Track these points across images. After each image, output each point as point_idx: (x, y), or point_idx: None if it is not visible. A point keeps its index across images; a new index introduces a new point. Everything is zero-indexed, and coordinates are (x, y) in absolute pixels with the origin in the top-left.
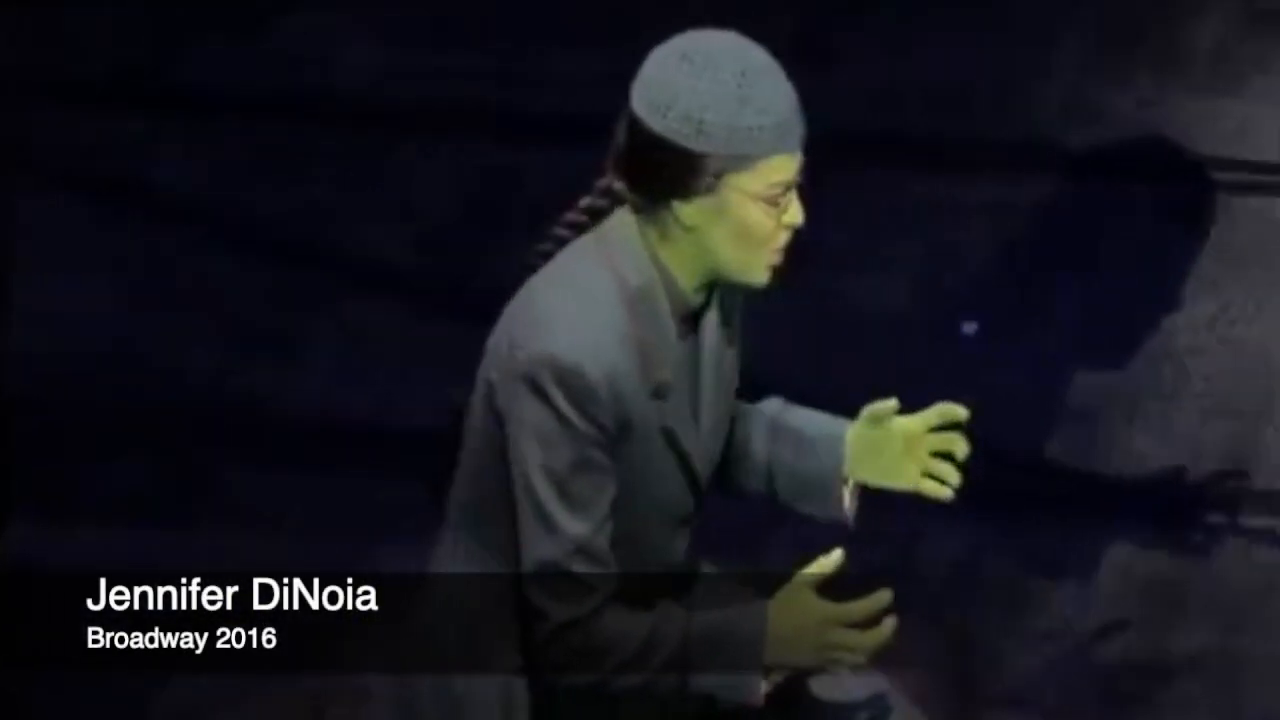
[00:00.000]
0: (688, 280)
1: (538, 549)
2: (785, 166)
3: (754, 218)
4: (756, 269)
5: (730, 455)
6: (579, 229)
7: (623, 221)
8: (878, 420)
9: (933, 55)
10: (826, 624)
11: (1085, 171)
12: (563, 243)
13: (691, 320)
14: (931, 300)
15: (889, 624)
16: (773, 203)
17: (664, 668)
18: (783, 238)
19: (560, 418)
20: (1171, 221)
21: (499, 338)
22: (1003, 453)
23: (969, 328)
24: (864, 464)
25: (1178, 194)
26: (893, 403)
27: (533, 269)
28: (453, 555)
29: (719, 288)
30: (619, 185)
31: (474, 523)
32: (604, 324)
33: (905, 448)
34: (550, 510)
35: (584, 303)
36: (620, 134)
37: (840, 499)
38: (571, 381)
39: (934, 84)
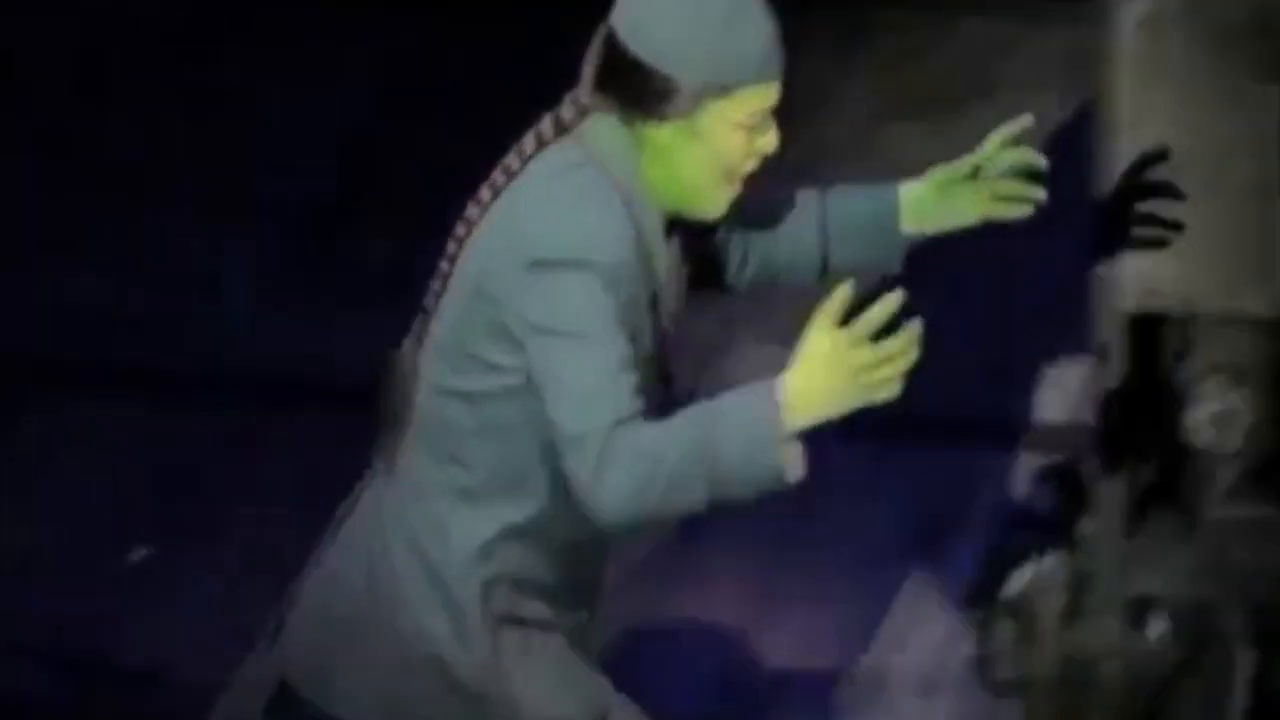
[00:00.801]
0: (666, 195)
1: (578, 378)
2: (765, 95)
3: (728, 144)
4: (716, 198)
5: (767, 261)
6: (546, 143)
7: (609, 128)
8: (937, 181)
9: None
10: (858, 369)
11: None
12: (529, 157)
13: (668, 231)
14: None
15: (914, 325)
16: (748, 130)
17: (700, 456)
18: (750, 165)
19: (579, 273)
20: None
21: (493, 242)
22: None
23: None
24: (929, 217)
25: None
26: (957, 164)
27: (501, 185)
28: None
29: None
30: (593, 100)
31: (508, 486)
32: (614, 216)
33: (973, 186)
34: (595, 378)
35: (596, 202)
36: (597, 50)
37: (899, 246)
38: (581, 241)
39: None
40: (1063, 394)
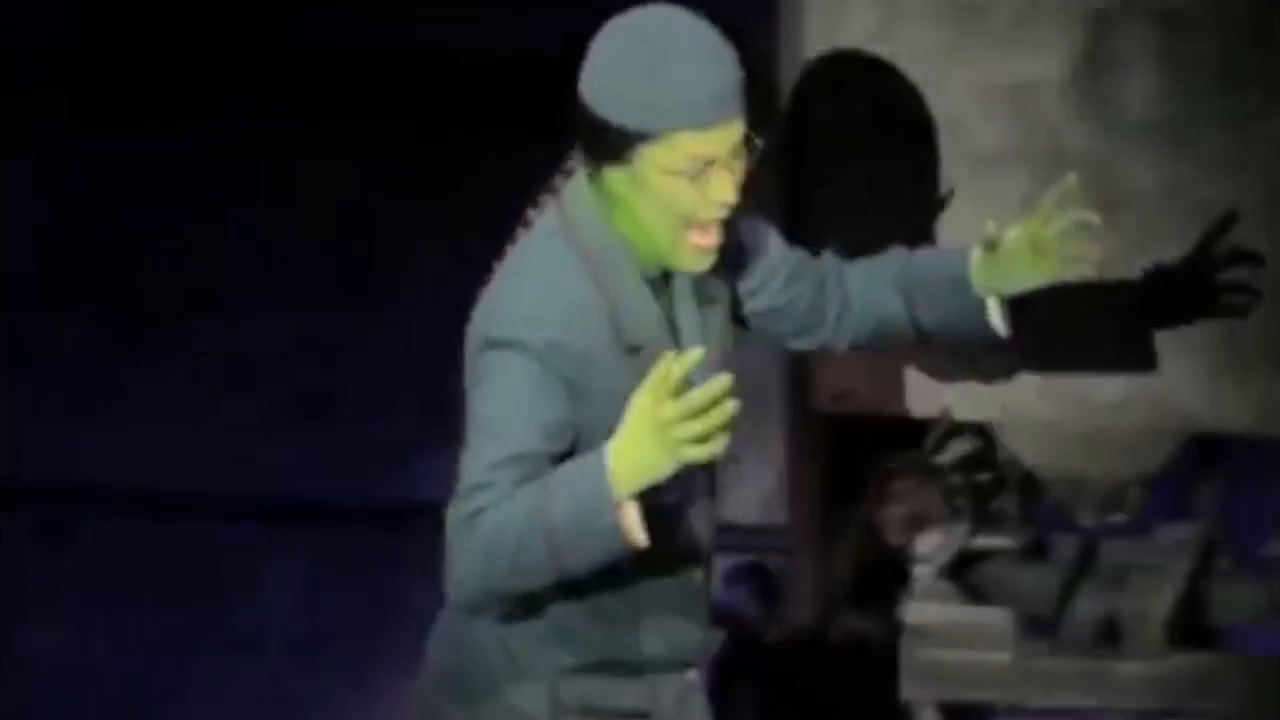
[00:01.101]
0: (642, 249)
1: (473, 452)
2: (698, 141)
3: (669, 191)
4: (684, 252)
5: (864, 315)
6: (541, 206)
7: (578, 189)
8: (993, 245)
9: None
10: (664, 421)
11: None
12: (529, 221)
13: (662, 283)
14: None
15: (729, 405)
16: (690, 177)
17: (535, 539)
18: (710, 214)
19: (508, 349)
20: None
21: (475, 312)
22: None
23: None
24: (998, 281)
25: None
26: (999, 226)
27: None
28: None
29: None
30: (574, 156)
31: None
32: (558, 278)
33: (1033, 249)
34: (495, 419)
35: (546, 275)
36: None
37: (988, 319)
38: (519, 318)
39: None
40: (754, 494)
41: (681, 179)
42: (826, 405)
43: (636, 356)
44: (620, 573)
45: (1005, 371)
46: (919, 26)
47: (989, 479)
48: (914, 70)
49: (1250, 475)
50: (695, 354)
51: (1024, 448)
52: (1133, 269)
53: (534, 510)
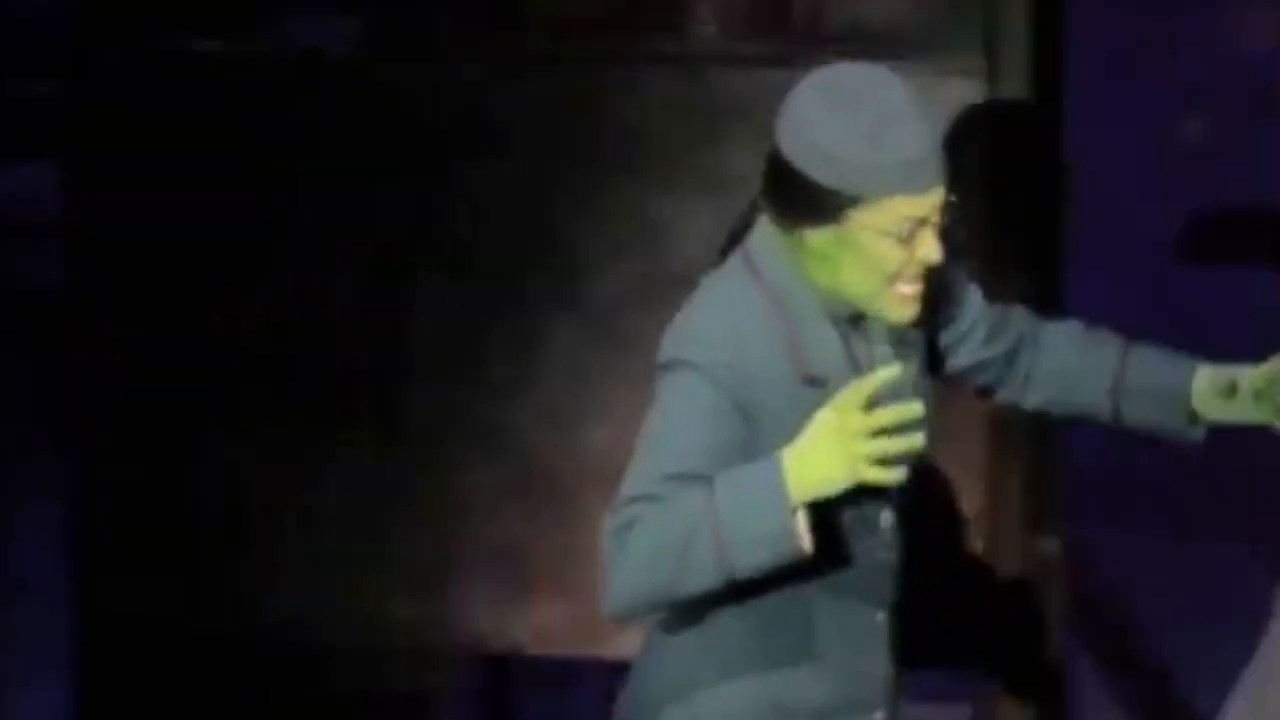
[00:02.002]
0: (832, 297)
1: (636, 466)
2: (912, 205)
3: (878, 251)
4: (887, 303)
5: (1063, 390)
6: (727, 251)
7: (764, 231)
8: (1233, 389)
9: None
10: (848, 433)
11: None
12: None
13: (854, 327)
14: None
15: (918, 436)
16: (900, 238)
17: (703, 535)
18: (914, 273)
19: (684, 372)
20: None
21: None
22: None
23: None
24: (1211, 407)
25: None
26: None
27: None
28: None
29: None
30: (760, 206)
31: None
32: (740, 311)
33: (1254, 396)
34: (663, 436)
35: (722, 301)
36: (767, 155)
37: (1188, 434)
38: (698, 344)
39: None
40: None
41: (891, 239)
42: None
43: (818, 389)
44: (794, 608)
45: None
46: None
47: None
48: None
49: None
50: (892, 370)
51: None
52: None
53: (702, 508)
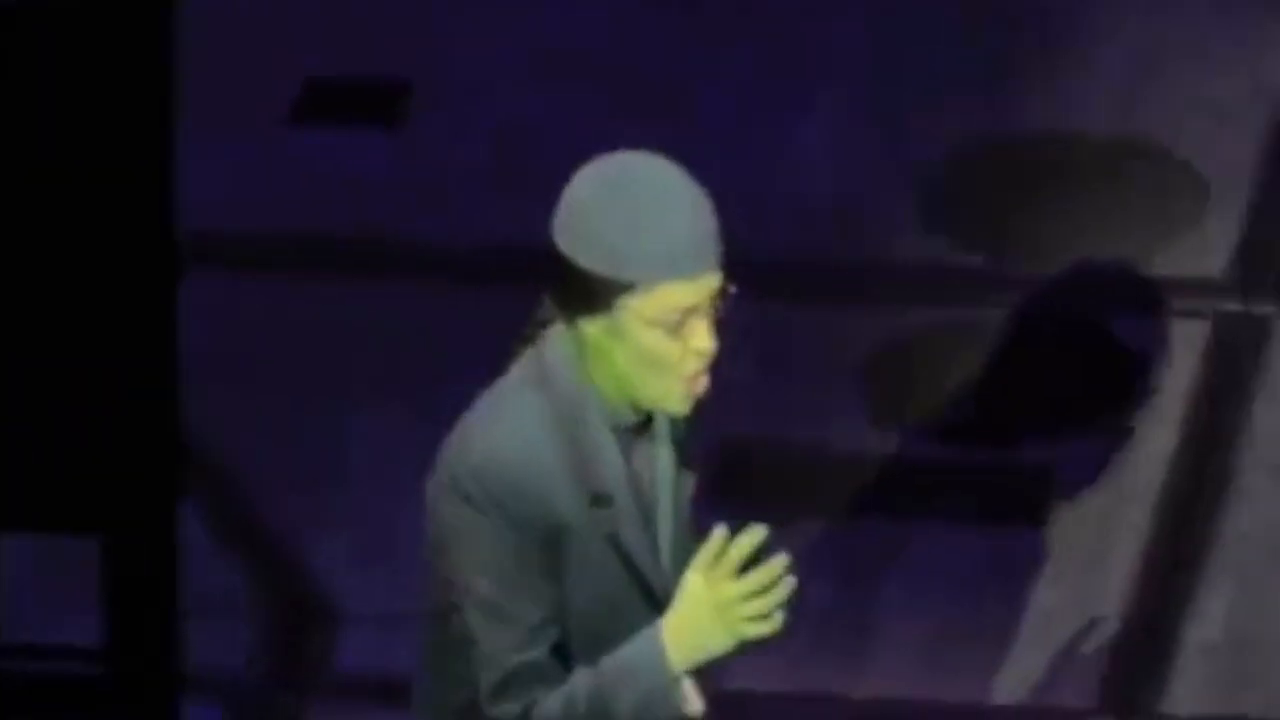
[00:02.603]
0: (616, 398)
1: (490, 639)
2: (681, 292)
3: (650, 342)
4: (668, 395)
5: None
6: (526, 345)
7: (556, 336)
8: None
9: None
10: (723, 604)
11: None
12: (513, 360)
13: (637, 435)
14: None
15: (788, 582)
16: (670, 328)
17: (602, 707)
18: (692, 364)
19: (484, 513)
20: None
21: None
22: None
23: None
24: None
25: None
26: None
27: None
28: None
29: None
30: (548, 303)
31: (439, 661)
32: (529, 433)
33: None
34: (498, 600)
35: (510, 418)
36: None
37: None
38: (491, 478)
39: None
40: None
41: (661, 329)
42: None
43: (606, 509)
44: None
45: None
46: None
47: None
48: None
49: None
50: (759, 533)
51: None
52: None
53: (593, 701)
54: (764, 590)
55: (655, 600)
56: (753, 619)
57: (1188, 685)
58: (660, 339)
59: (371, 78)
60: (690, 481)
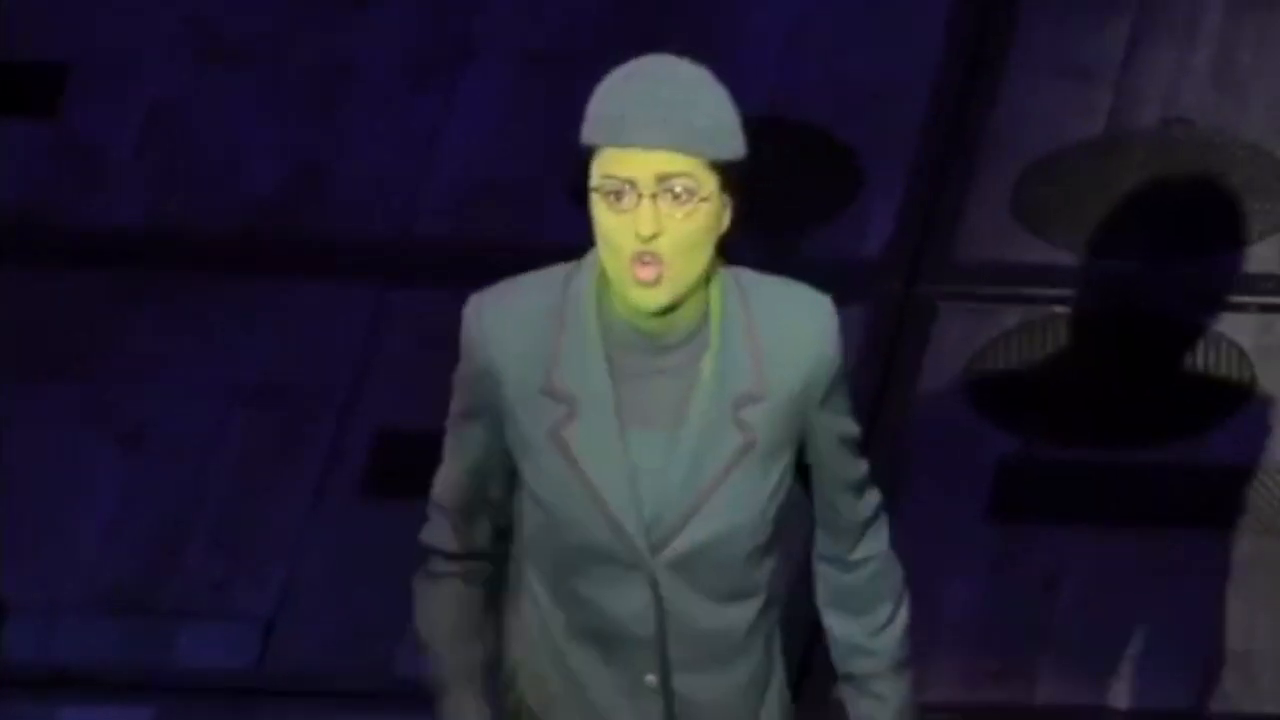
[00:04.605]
0: (619, 303)
1: (437, 483)
2: (615, 160)
3: (598, 214)
4: (622, 280)
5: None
6: None
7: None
8: None
9: None
10: None
11: None
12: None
13: (669, 355)
14: None
15: None
16: (608, 197)
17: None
18: (631, 245)
19: (459, 360)
20: None
21: None
22: None
23: None
24: None
25: None
26: None
27: None
28: None
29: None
30: None
31: None
32: (516, 305)
33: None
34: (449, 429)
35: (520, 287)
36: None
37: None
38: (467, 325)
39: None
40: None
41: (604, 201)
42: None
43: (560, 404)
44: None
45: None
46: None
47: None
48: None
49: None
50: None
51: None
52: None
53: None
54: None
55: (616, 525)
56: None
57: None
58: (604, 212)
59: (27, 64)
60: (734, 437)
